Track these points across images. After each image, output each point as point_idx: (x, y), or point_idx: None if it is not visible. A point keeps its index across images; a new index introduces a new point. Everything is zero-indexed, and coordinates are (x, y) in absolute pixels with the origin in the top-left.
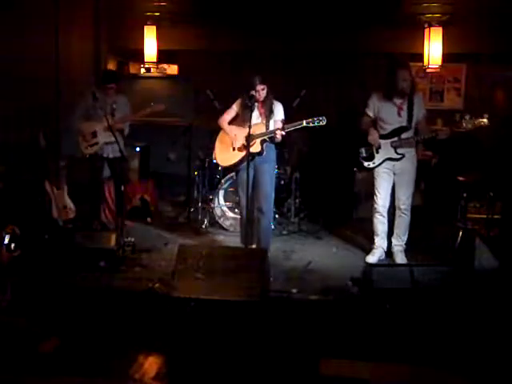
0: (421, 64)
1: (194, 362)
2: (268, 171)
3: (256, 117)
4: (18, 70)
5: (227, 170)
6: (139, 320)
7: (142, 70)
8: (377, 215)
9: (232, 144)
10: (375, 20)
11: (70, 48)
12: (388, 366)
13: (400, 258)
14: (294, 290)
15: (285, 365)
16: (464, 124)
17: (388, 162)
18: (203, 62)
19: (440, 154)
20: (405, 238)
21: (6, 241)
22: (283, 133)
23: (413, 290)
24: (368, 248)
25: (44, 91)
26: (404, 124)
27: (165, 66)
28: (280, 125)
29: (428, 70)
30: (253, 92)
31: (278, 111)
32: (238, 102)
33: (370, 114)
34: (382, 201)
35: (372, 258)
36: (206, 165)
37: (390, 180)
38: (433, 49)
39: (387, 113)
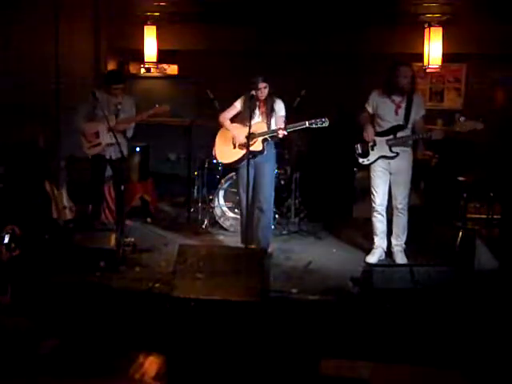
0: (421, 64)
1: (194, 362)
2: (268, 171)
3: (257, 115)
4: (18, 70)
5: (227, 169)
6: (139, 320)
7: (142, 70)
8: (375, 214)
9: (233, 141)
10: (375, 20)
11: (70, 48)
12: (388, 366)
13: (400, 258)
14: (294, 290)
15: (285, 365)
16: (458, 127)
17: (383, 159)
18: (203, 61)
19: (440, 154)
20: (404, 238)
21: (6, 240)
22: (285, 132)
23: (413, 289)
24: (368, 248)
25: (44, 91)
26: (401, 122)
27: (165, 66)
28: (282, 121)
29: (428, 70)
30: (253, 92)
31: (280, 108)
32: (241, 99)
33: (369, 109)
34: (379, 200)
35: (372, 258)
36: (206, 165)
37: (387, 179)
38: (433, 49)
39: (385, 110)
